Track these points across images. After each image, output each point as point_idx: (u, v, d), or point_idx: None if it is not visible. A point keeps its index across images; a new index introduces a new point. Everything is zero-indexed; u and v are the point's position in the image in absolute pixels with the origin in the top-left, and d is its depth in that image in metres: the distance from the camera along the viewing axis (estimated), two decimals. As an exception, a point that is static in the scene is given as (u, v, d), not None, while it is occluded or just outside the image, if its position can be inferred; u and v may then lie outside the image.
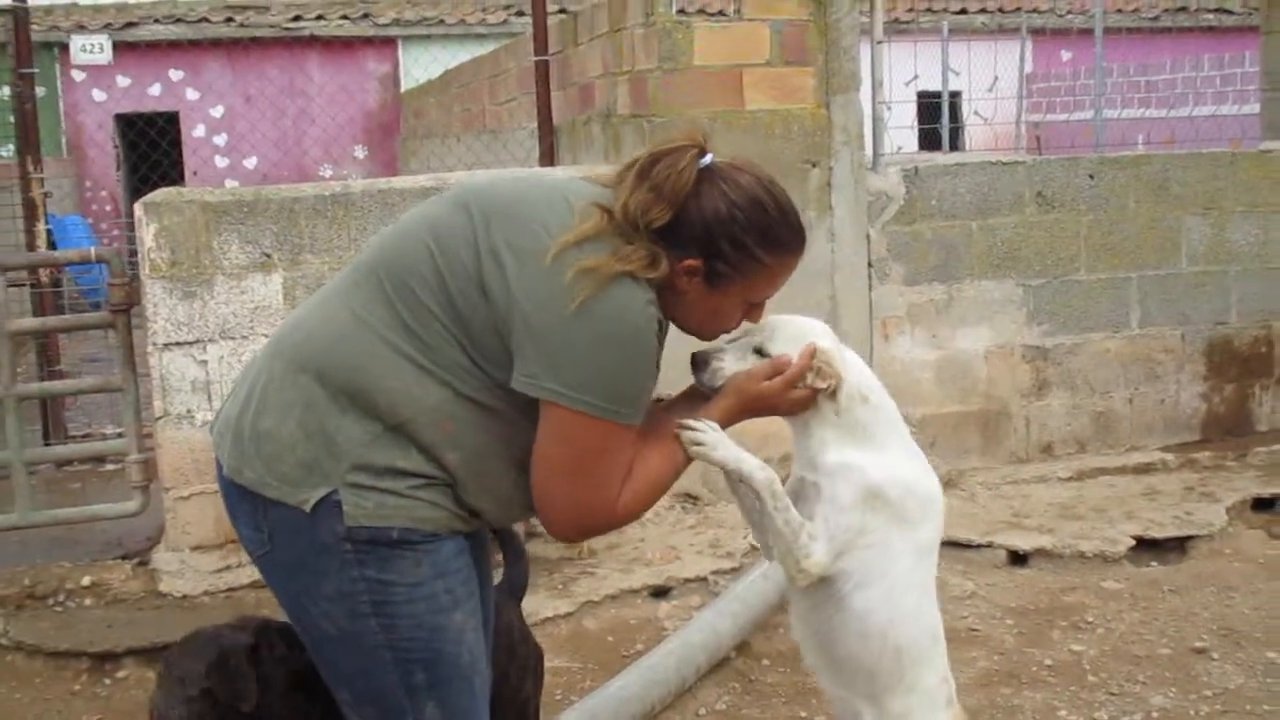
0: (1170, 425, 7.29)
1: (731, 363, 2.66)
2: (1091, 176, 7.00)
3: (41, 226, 7.16)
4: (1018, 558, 5.89)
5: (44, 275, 7.31)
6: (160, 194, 5.79)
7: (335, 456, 2.46)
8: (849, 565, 2.73)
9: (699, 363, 2.68)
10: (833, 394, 2.70)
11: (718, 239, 2.48)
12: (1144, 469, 6.91)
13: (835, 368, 2.71)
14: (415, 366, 2.46)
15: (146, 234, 5.62)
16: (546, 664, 4.98)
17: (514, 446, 2.50)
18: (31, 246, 7.22)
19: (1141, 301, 7.14)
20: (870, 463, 2.73)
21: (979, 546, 5.94)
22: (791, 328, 2.73)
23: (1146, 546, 5.93)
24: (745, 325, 2.72)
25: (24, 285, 7.01)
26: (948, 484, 6.61)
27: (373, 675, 2.55)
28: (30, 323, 6.13)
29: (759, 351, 2.70)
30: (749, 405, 2.67)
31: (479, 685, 2.64)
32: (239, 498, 2.55)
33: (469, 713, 2.63)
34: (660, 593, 5.59)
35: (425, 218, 2.57)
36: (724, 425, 2.66)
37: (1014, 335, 6.97)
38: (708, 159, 2.52)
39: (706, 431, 2.60)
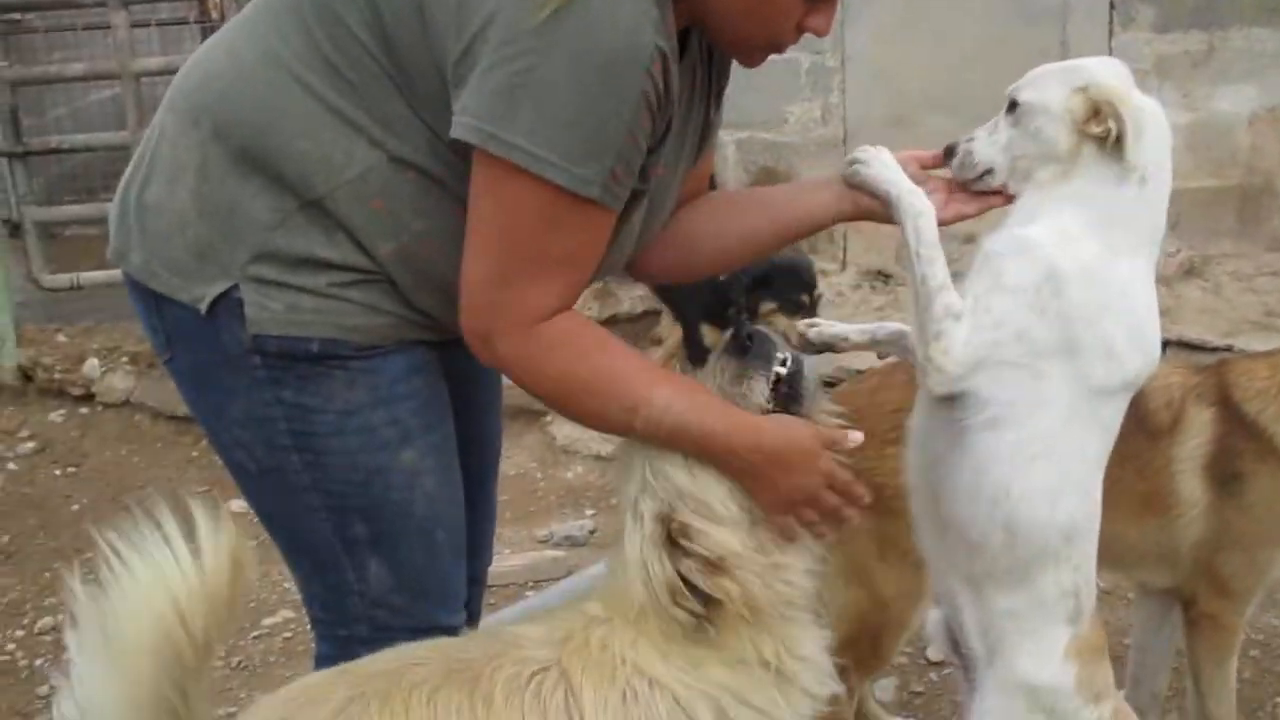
0: None
1: (984, 140, 2.11)
2: None
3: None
4: (1263, 366, 4.94)
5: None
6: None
7: (234, 241, 1.85)
8: (984, 385, 1.99)
9: (947, 151, 2.15)
10: (1115, 140, 1.97)
11: None
12: None
13: (1121, 112, 1.96)
14: (337, 118, 1.81)
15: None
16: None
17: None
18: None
19: None
20: (1078, 249, 1.97)
21: (1214, 349, 5.04)
22: (1047, 68, 2.06)
23: None
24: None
25: (150, 25, 6.59)
26: (1189, 272, 5.69)
27: (302, 523, 2.00)
28: (155, 62, 5.68)
29: (1011, 105, 2.07)
30: (750, 465, 1.85)
31: (444, 541, 2.05)
32: (132, 289, 1.99)
33: (427, 573, 2.05)
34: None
35: None
36: (695, 452, 1.86)
37: (1290, 95, 5.96)
38: None
39: (870, 150, 2.09)
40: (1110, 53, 5.65)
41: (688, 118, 1.97)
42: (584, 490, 4.61)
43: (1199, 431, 2.64)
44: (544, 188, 1.68)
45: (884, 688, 3.25)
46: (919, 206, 2.01)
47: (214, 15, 6.92)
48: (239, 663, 3.65)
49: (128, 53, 5.22)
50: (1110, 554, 2.24)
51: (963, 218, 2.13)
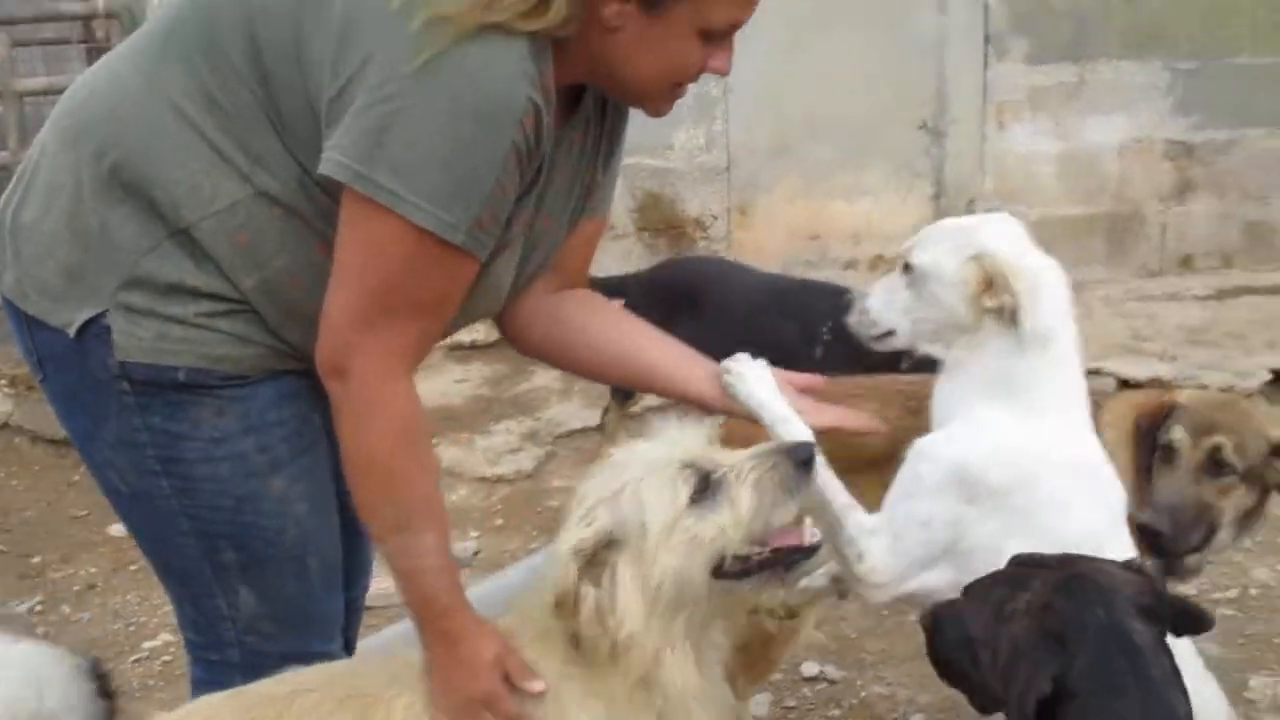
0: (1338, 239, 6.33)
1: (882, 299, 2.16)
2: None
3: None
4: (1128, 388, 5.07)
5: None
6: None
7: (104, 265, 1.88)
8: (945, 573, 2.02)
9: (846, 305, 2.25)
10: (1008, 315, 2.02)
11: None
12: (1299, 290, 5.99)
13: (1015, 286, 2.02)
14: (209, 149, 1.84)
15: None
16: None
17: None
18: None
19: (1318, 93, 6.07)
20: (992, 435, 2.00)
21: (1085, 373, 5.12)
22: (940, 228, 2.12)
23: (1288, 383, 5.19)
24: None
25: (32, 45, 6.46)
26: (1061, 297, 5.82)
27: (173, 547, 2.02)
28: (38, 83, 5.61)
29: (906, 266, 2.09)
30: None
31: (316, 568, 2.07)
32: (7, 309, 2.01)
33: (299, 600, 2.07)
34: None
35: None
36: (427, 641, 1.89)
37: (1155, 127, 6.08)
38: None
39: (746, 361, 2.07)
40: (985, 84, 5.82)
41: (576, 174, 2.01)
42: (469, 512, 4.61)
43: None
44: (409, 230, 1.72)
45: (759, 703, 3.31)
46: (797, 436, 1.99)
47: (99, 36, 6.83)
48: (117, 687, 3.61)
49: (9, 72, 5.15)
50: None
51: (840, 426, 2.10)
